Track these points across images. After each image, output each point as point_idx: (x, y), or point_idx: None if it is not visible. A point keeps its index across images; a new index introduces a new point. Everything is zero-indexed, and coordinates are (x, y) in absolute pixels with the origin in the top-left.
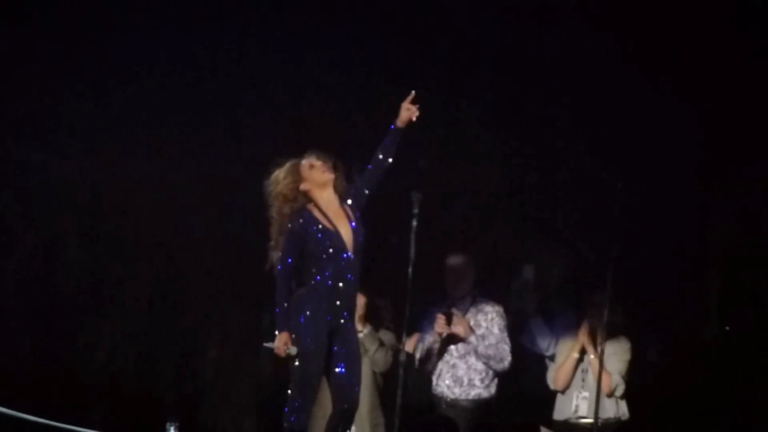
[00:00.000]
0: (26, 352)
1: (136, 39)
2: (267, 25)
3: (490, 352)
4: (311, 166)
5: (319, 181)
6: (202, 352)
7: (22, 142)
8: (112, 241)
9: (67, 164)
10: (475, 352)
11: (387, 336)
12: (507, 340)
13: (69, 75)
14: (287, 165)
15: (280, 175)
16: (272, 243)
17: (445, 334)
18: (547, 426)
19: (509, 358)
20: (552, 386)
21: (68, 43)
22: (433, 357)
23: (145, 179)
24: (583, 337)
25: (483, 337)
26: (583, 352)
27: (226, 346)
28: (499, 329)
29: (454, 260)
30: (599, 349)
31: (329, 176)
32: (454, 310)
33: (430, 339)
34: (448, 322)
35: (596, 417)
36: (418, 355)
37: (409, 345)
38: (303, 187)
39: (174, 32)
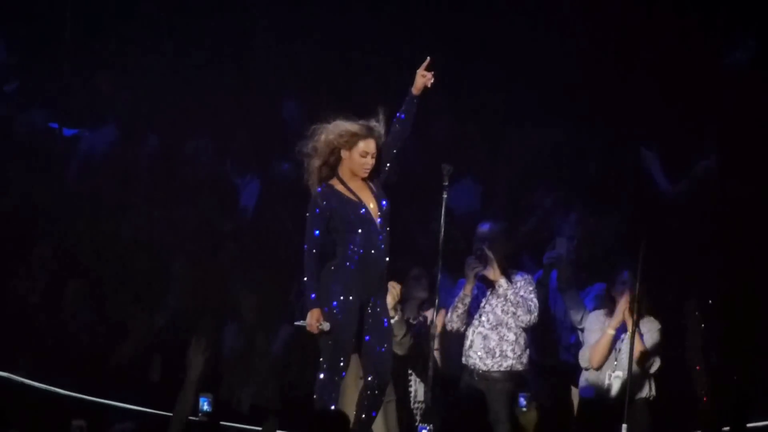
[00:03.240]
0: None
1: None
2: None
3: (519, 299)
4: (364, 154)
5: (354, 168)
6: (225, 327)
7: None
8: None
9: (104, 136)
10: (504, 297)
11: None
12: (535, 300)
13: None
14: (353, 126)
15: (339, 127)
16: (308, 179)
17: (476, 277)
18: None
19: (536, 313)
20: (585, 365)
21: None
22: (464, 314)
23: (176, 155)
24: (622, 313)
25: (514, 286)
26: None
27: (252, 319)
28: (526, 291)
29: (484, 231)
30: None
31: (364, 174)
32: (486, 249)
33: (461, 293)
34: (481, 262)
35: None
36: (448, 315)
37: (439, 320)
38: (343, 154)
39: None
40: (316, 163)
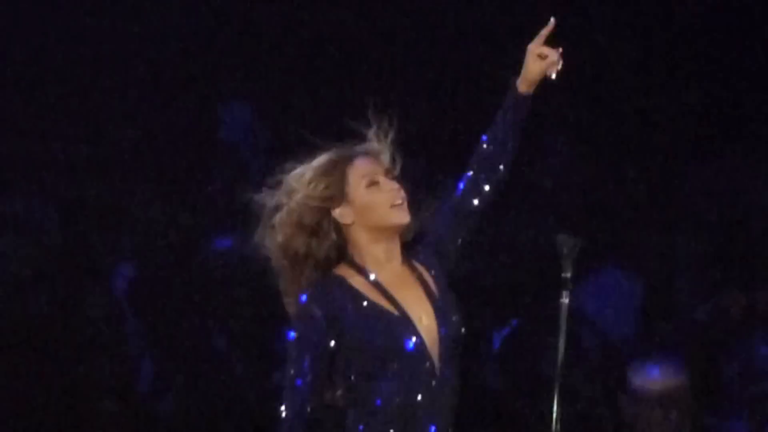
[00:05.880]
0: None
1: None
2: None
3: None
4: (371, 183)
5: (376, 218)
6: None
7: None
8: None
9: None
10: None
11: None
12: None
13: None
14: (325, 159)
15: (306, 176)
16: (283, 288)
17: None
18: None
19: None
20: None
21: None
22: None
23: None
24: None
25: None
26: None
27: None
28: None
29: (650, 385)
30: None
31: (399, 219)
32: None
33: None
34: None
35: None
36: None
37: None
38: (340, 216)
39: None
40: (288, 255)
